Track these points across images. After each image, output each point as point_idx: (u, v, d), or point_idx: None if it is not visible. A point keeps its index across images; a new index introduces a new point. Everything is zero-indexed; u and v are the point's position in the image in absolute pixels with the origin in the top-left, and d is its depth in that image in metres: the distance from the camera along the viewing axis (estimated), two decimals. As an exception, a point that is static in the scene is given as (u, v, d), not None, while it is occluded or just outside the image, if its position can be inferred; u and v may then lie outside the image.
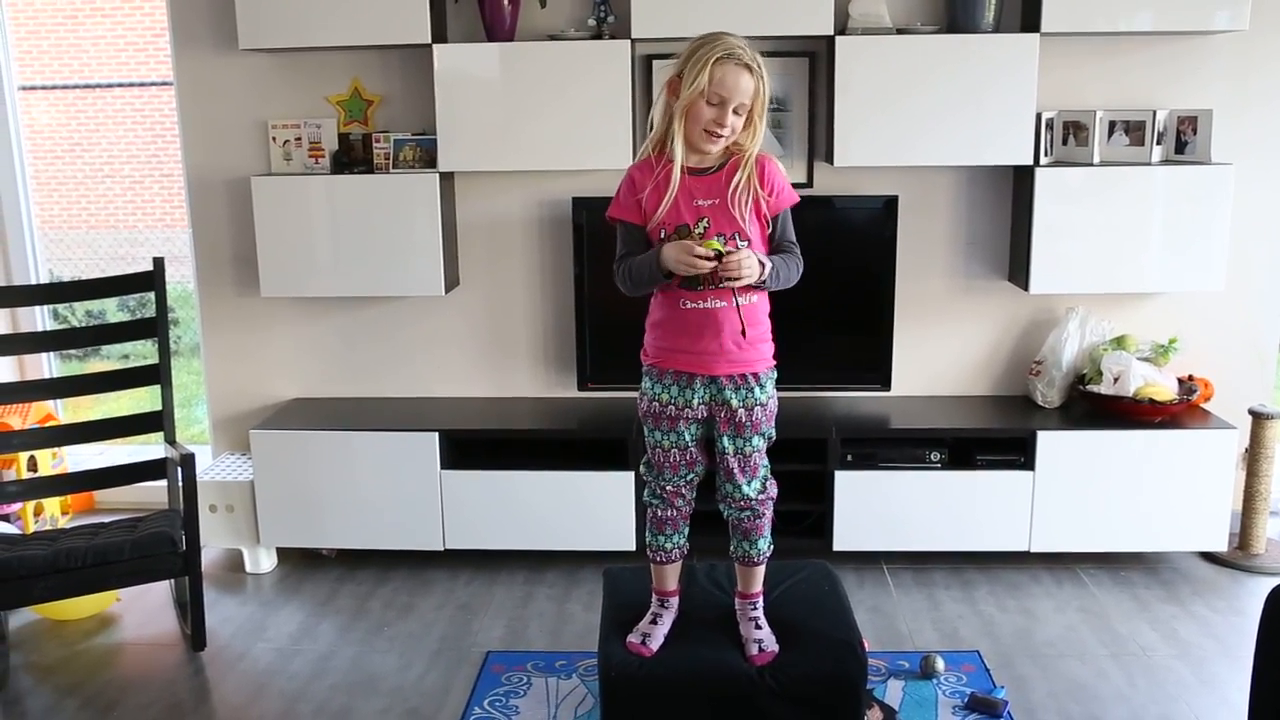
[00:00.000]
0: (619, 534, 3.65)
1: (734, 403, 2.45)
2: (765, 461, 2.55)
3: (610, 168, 3.64)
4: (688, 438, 2.51)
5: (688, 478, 2.56)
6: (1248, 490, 3.75)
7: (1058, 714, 2.83)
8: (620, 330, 3.78)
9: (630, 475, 3.59)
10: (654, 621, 2.58)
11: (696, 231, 2.37)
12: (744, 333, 2.39)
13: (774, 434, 2.54)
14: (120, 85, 8.11)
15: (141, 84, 8.10)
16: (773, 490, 2.57)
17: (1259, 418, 3.72)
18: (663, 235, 2.39)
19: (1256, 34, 3.58)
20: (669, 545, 2.59)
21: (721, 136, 2.33)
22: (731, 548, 2.61)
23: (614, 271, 2.52)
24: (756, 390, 2.46)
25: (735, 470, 2.50)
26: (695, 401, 2.46)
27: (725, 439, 2.49)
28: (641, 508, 3.58)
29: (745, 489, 2.52)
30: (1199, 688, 2.95)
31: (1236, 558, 3.72)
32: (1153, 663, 3.09)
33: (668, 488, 2.55)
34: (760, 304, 2.46)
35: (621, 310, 3.76)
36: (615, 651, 2.52)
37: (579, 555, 3.74)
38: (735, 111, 2.31)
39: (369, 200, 3.66)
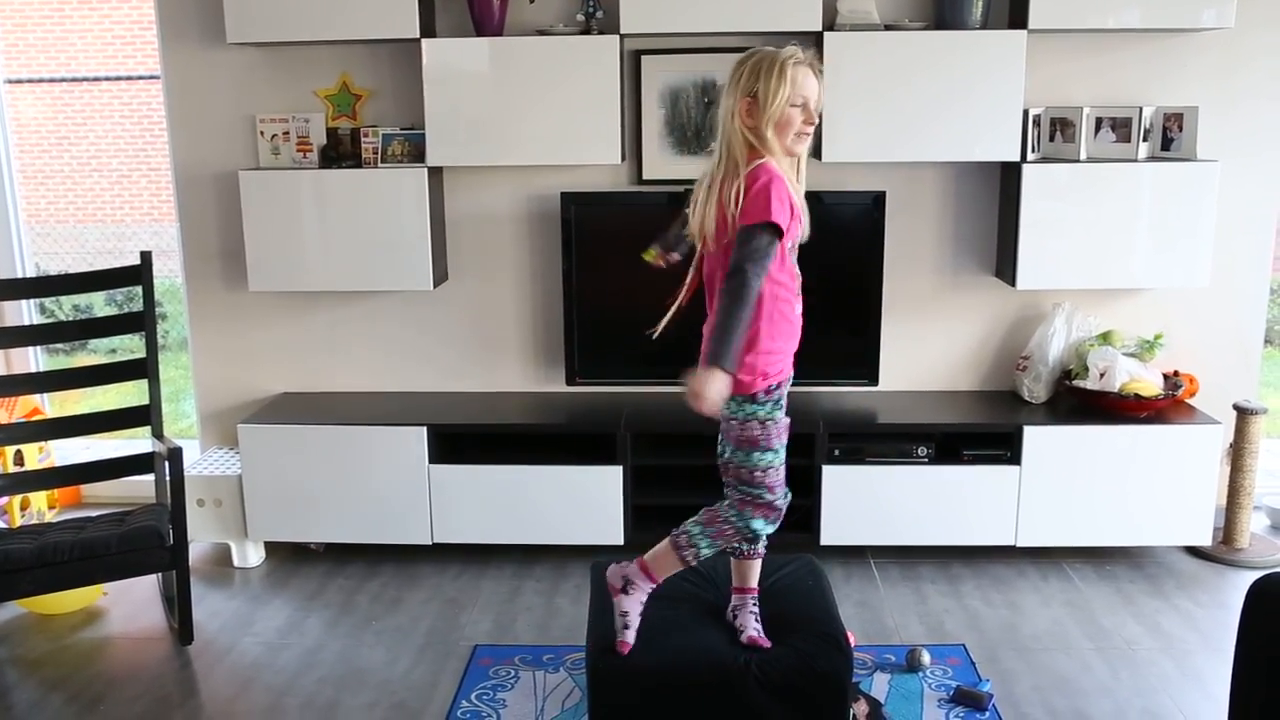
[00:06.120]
0: (607, 528, 3.66)
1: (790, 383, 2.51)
2: None
3: (599, 163, 3.65)
4: None
5: None
6: (1232, 485, 3.78)
7: (1042, 707, 2.85)
8: (609, 325, 3.80)
9: (619, 469, 3.60)
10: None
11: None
12: None
13: None
14: (107, 79, 8.08)
15: (129, 78, 8.07)
16: None
17: (1243, 413, 3.74)
18: (789, 245, 2.37)
19: (1242, 31, 3.60)
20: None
21: (810, 135, 2.37)
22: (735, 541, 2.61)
23: (749, 282, 2.26)
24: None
25: None
26: None
27: None
28: (629, 502, 3.61)
29: None
30: (1182, 681, 2.97)
31: (1220, 552, 3.75)
32: (1137, 656, 3.11)
33: (783, 500, 2.51)
34: None
35: (610, 305, 3.79)
36: (602, 645, 2.52)
37: (567, 549, 3.75)
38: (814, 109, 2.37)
39: (357, 195, 3.66)
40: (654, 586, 2.53)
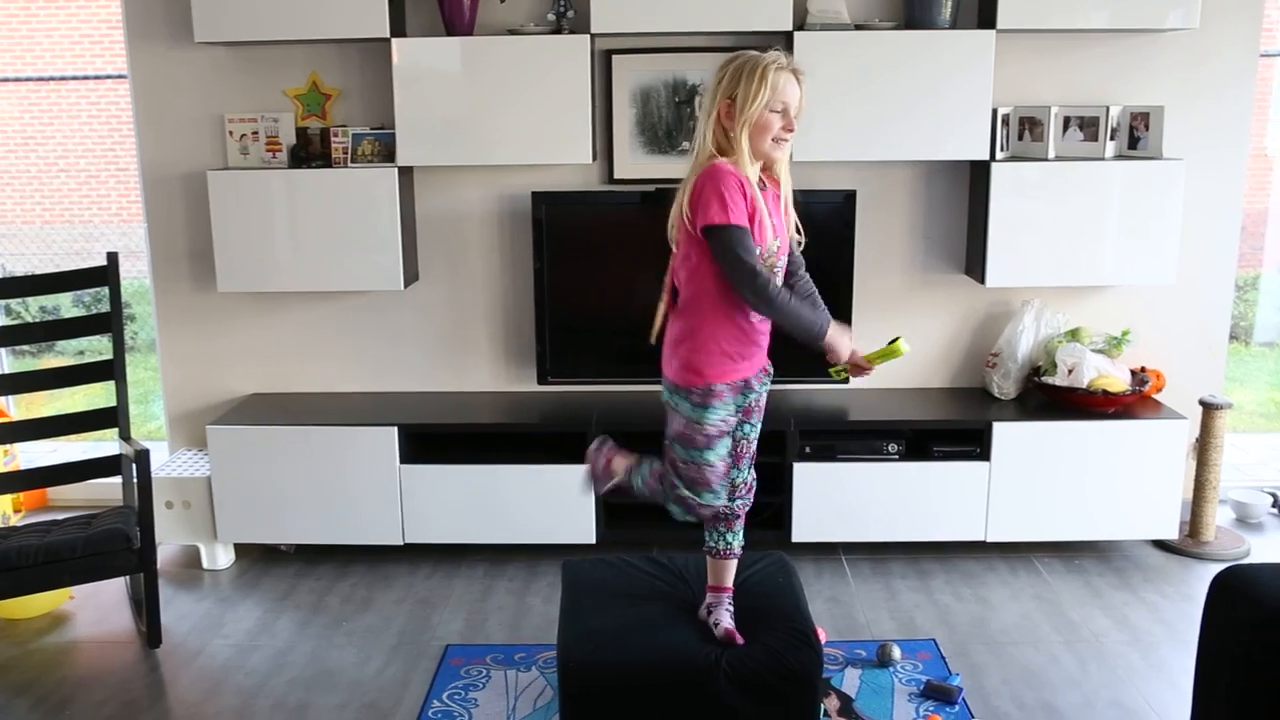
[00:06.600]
0: (578, 527, 3.65)
1: (760, 390, 2.55)
2: None
3: (570, 162, 3.65)
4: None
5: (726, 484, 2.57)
6: (1198, 479, 3.82)
7: (1011, 700, 2.87)
8: (580, 325, 3.81)
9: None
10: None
11: (772, 258, 2.43)
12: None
13: None
14: (75, 78, 7.99)
15: (96, 77, 7.98)
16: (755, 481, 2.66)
17: (1209, 408, 3.78)
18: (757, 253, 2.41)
19: (1206, 31, 3.64)
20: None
21: (788, 142, 2.40)
22: (712, 541, 2.62)
23: (751, 278, 2.32)
24: (768, 379, 2.57)
25: (745, 455, 2.60)
26: (743, 403, 2.52)
27: (747, 426, 2.57)
28: (600, 500, 3.62)
29: (748, 474, 2.62)
30: (1148, 672, 3.01)
31: (1187, 545, 3.79)
32: (1104, 649, 3.14)
33: (719, 504, 2.53)
34: None
35: (581, 305, 3.79)
36: (573, 643, 2.53)
37: (539, 548, 3.75)
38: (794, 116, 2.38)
39: (327, 195, 3.64)
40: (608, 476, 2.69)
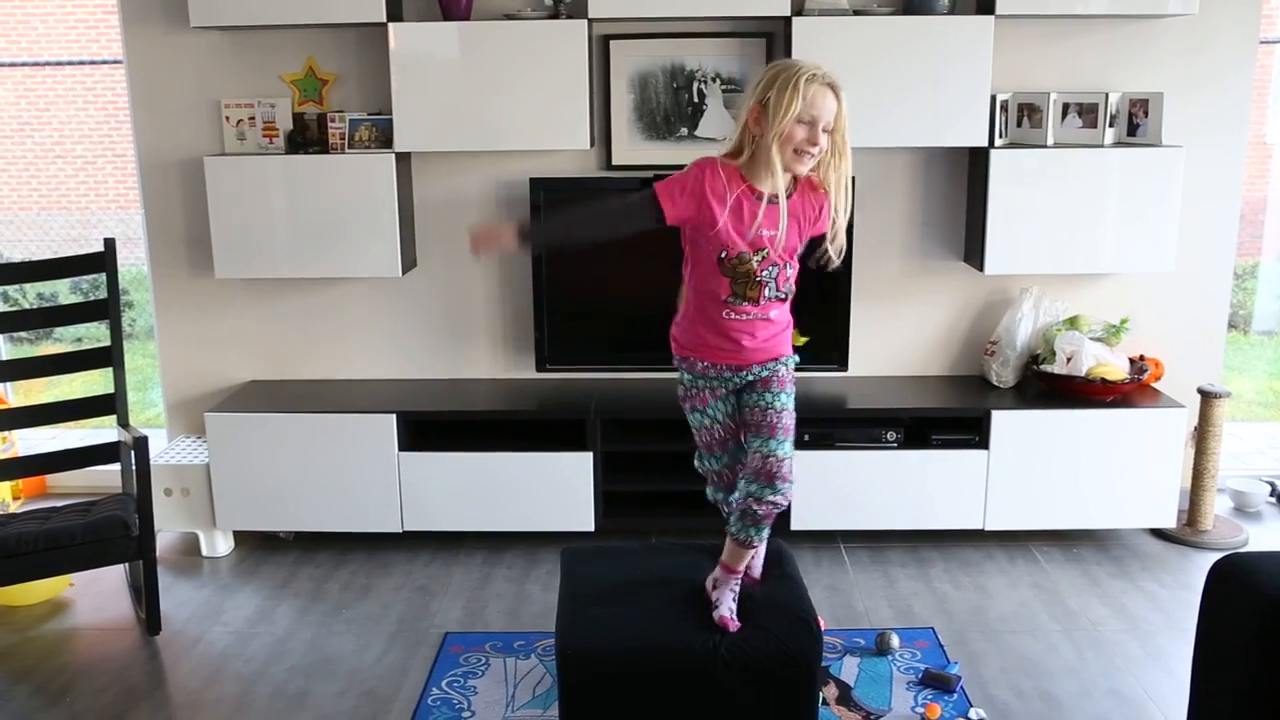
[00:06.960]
0: (578, 515, 3.65)
1: (761, 372, 2.52)
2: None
3: (568, 149, 3.64)
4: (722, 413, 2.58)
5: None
6: (1196, 468, 3.82)
7: (1009, 688, 2.88)
8: (578, 311, 3.80)
9: (589, 455, 3.60)
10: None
11: (749, 265, 2.40)
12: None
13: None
14: (70, 63, 7.95)
15: (92, 62, 7.94)
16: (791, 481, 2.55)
17: (1207, 397, 3.78)
18: (723, 255, 2.38)
19: (1205, 17, 3.63)
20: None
21: (813, 155, 2.35)
22: (734, 529, 2.55)
23: (616, 199, 2.54)
24: (773, 364, 2.54)
25: (762, 425, 2.52)
26: (729, 382, 2.54)
27: (754, 395, 2.53)
28: (599, 488, 3.63)
29: (764, 445, 2.51)
30: (1146, 661, 3.01)
31: (1185, 534, 3.79)
32: (1102, 637, 3.15)
33: (705, 469, 2.68)
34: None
35: (580, 291, 3.78)
36: (573, 630, 2.52)
37: (538, 536, 3.75)
38: (824, 130, 2.33)
39: (324, 181, 3.63)
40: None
